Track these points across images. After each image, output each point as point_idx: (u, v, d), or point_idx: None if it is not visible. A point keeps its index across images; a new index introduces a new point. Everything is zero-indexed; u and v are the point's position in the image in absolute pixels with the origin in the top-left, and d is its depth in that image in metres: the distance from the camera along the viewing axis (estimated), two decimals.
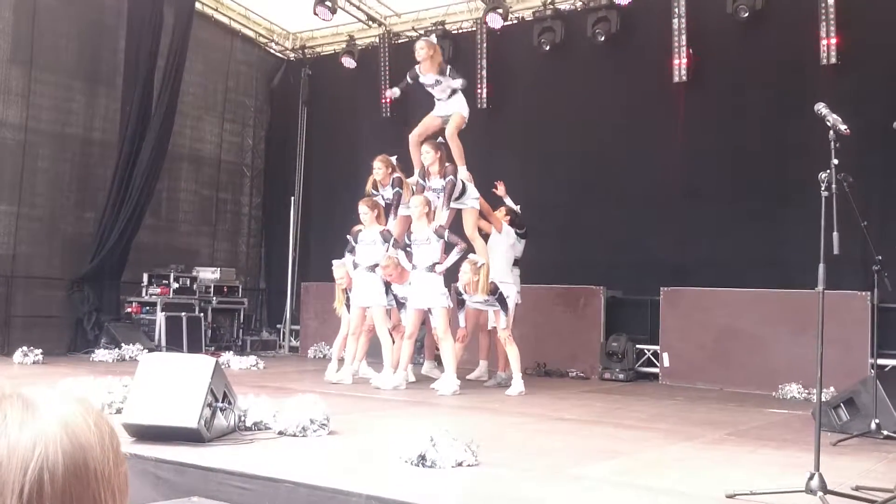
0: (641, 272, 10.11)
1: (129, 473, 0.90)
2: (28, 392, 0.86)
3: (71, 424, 0.84)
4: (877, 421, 5.45)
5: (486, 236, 8.70)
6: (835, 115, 4.16)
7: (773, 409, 7.38)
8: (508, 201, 9.13)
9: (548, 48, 11.00)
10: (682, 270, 9.77)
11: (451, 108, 8.62)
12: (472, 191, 8.50)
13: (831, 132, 4.08)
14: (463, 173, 8.47)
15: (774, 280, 8.99)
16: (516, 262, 9.03)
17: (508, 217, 8.93)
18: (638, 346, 9.84)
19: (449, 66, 8.62)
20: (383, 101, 12.35)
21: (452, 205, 8.35)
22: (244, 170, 13.94)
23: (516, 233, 8.97)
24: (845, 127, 4.11)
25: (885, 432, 5.40)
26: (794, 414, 6.98)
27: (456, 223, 8.48)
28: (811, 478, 3.60)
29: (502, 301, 7.94)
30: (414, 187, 8.55)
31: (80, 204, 11.38)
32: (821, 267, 3.88)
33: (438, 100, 8.70)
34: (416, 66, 8.62)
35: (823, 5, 9.08)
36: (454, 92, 8.59)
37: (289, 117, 13.97)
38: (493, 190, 9.15)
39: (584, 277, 10.13)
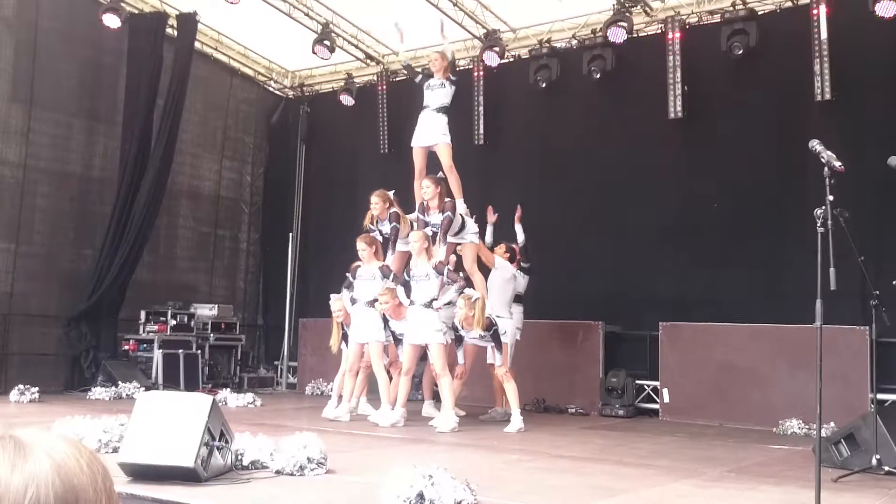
0: (640, 307, 10.10)
1: None
2: (21, 433, 0.86)
3: (63, 466, 0.83)
4: (878, 456, 5.41)
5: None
6: (829, 152, 4.19)
7: (774, 445, 7.34)
8: (519, 230, 9.14)
9: (544, 85, 11.09)
10: (681, 305, 9.77)
11: (432, 134, 8.71)
12: (472, 225, 8.53)
13: (826, 169, 4.11)
14: (461, 207, 8.51)
15: (773, 315, 8.98)
16: (519, 299, 9.05)
17: (508, 255, 8.96)
18: (637, 381, 9.81)
19: (452, 73, 8.92)
20: (380, 135, 12.48)
21: (451, 239, 8.37)
22: (242, 206, 13.98)
23: (521, 267, 9.01)
24: (840, 163, 4.15)
25: (887, 468, 5.36)
26: (794, 450, 6.94)
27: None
28: None
29: (496, 337, 7.93)
30: (415, 223, 8.58)
31: (78, 241, 11.39)
32: (818, 303, 3.88)
33: (426, 106, 8.84)
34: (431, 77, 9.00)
35: (817, 42, 9.17)
36: (444, 110, 8.72)
37: (287, 154, 14.05)
38: (516, 212, 9.21)
39: (583, 312, 10.12)
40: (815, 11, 9.22)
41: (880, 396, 7.51)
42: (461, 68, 11.86)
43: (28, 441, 0.85)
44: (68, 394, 10.32)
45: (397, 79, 12.58)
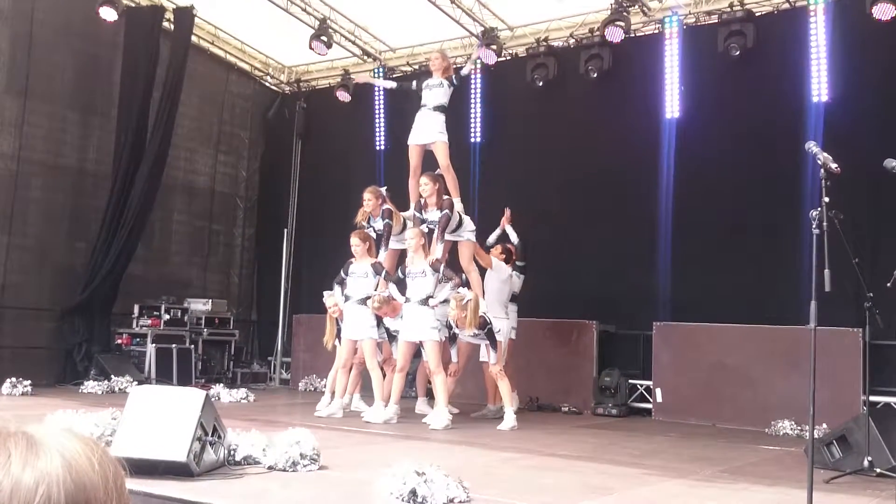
0: (634, 307, 10.12)
1: None
2: (33, 430, 0.86)
3: (74, 464, 0.83)
4: (869, 458, 5.44)
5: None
6: (825, 154, 4.21)
7: (766, 446, 7.36)
8: (509, 229, 9.15)
9: (541, 84, 11.09)
10: (675, 305, 9.79)
11: (429, 132, 8.69)
12: (469, 223, 8.53)
13: (822, 170, 4.12)
14: (458, 205, 8.51)
15: (767, 316, 9.00)
16: (514, 298, 9.06)
17: (503, 255, 8.97)
18: (631, 381, 9.83)
19: (455, 78, 8.84)
20: (376, 132, 12.47)
21: (449, 237, 8.37)
22: (237, 201, 13.96)
23: (517, 266, 9.02)
24: (836, 165, 4.16)
25: (878, 470, 5.38)
26: (786, 451, 6.97)
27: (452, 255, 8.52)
28: None
29: (491, 336, 7.92)
30: (410, 220, 8.58)
31: (71, 234, 11.35)
32: (812, 304, 3.90)
33: (423, 105, 8.78)
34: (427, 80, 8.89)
35: (815, 44, 9.19)
36: (442, 109, 8.69)
37: (283, 149, 14.03)
38: (502, 214, 9.20)
39: (577, 311, 10.13)
40: (812, 13, 9.24)
41: (872, 398, 7.55)
42: (458, 66, 11.90)
43: (40, 438, 0.84)
44: (60, 387, 10.28)
45: (394, 75, 12.57)
